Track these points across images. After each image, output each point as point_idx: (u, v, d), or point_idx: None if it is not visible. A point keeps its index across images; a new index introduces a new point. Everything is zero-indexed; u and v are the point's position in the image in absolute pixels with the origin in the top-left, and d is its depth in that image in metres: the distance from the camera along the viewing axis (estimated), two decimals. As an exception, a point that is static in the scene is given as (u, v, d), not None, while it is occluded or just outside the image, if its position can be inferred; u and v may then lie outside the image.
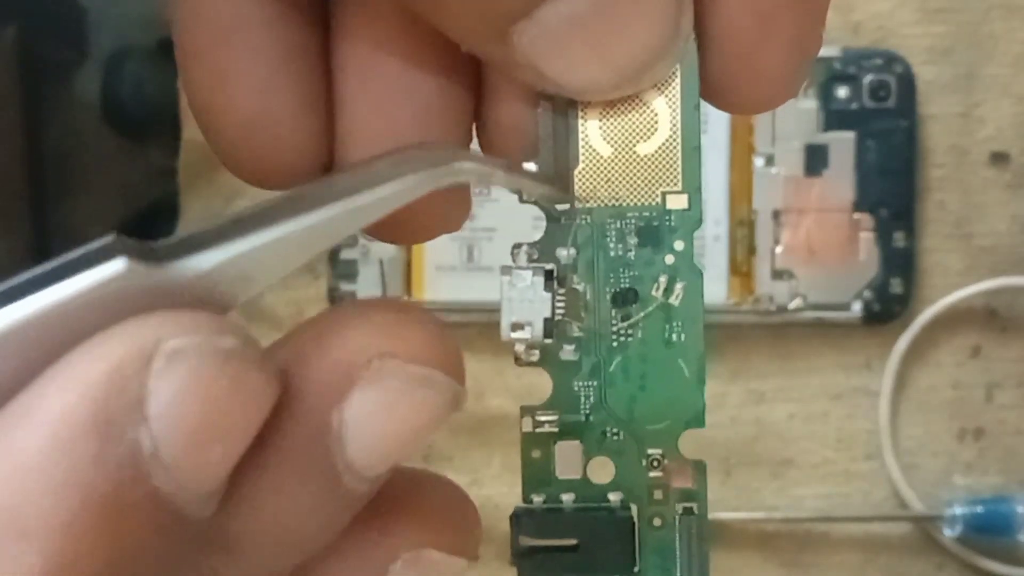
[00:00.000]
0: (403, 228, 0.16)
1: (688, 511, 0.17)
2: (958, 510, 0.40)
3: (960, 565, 0.41)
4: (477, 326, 0.41)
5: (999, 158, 0.40)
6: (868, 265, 0.40)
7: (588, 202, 0.16)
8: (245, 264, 0.13)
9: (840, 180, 0.40)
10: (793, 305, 0.40)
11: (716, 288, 0.40)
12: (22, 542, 0.11)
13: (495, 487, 0.42)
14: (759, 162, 0.40)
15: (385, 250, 0.41)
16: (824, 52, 0.40)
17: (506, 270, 0.17)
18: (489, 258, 0.41)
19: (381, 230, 0.16)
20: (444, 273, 0.41)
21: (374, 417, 0.13)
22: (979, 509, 0.40)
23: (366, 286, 0.42)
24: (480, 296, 0.41)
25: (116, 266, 0.12)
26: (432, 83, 0.16)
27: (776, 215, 0.40)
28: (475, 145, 0.17)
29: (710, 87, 0.16)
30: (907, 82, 0.40)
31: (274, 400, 0.12)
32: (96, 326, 0.12)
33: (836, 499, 0.41)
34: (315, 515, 0.13)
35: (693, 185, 0.16)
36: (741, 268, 0.40)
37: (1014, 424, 0.41)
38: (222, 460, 0.12)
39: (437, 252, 0.41)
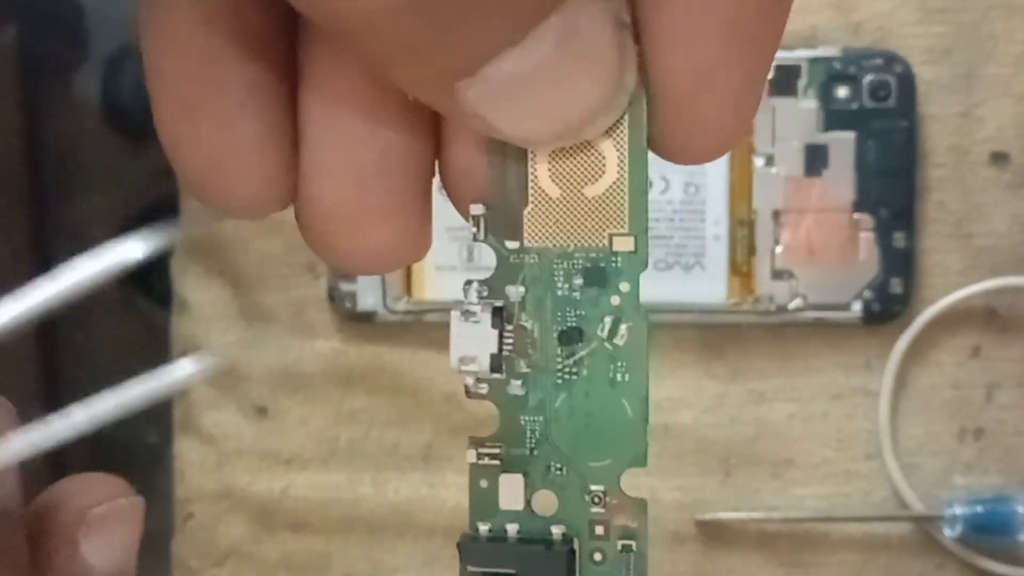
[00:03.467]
0: (364, 259, 0.17)
1: (627, 548, 0.17)
2: (958, 510, 0.40)
3: (960, 565, 0.41)
4: (477, 326, 0.41)
5: (999, 158, 0.40)
6: (868, 265, 0.40)
7: (536, 242, 0.17)
8: None
9: (840, 180, 0.40)
10: (793, 305, 0.40)
11: (716, 288, 0.40)
12: None
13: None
14: (759, 162, 0.40)
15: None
16: (824, 52, 0.40)
17: (456, 305, 0.17)
18: (489, 258, 0.41)
19: (342, 260, 0.17)
20: (444, 273, 0.41)
21: (102, 538, 0.20)
22: (979, 509, 0.40)
23: (366, 286, 0.42)
24: (480, 296, 0.41)
25: None
26: (394, 124, 0.16)
27: (776, 215, 0.40)
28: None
29: (654, 136, 0.16)
30: (907, 82, 0.40)
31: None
32: None
33: (836, 499, 0.41)
34: None
35: (640, 227, 0.17)
36: (741, 268, 0.40)
37: (1014, 424, 0.41)
38: None
39: (437, 252, 0.41)
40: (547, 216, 0.17)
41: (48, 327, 0.68)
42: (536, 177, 0.17)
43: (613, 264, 0.17)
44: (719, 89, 0.15)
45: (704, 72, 0.15)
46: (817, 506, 0.41)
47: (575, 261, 0.17)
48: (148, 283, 0.69)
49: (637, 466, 0.17)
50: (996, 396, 0.41)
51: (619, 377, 0.17)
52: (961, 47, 0.40)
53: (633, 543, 0.17)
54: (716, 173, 0.40)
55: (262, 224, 0.43)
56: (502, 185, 0.17)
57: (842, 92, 0.40)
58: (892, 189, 0.40)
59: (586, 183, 0.16)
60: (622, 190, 0.16)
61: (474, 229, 0.17)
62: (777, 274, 0.40)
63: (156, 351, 0.48)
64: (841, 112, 0.40)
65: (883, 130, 0.40)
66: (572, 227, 0.17)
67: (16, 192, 0.67)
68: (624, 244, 0.17)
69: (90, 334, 0.71)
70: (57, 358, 0.69)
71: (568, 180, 0.17)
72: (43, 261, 0.69)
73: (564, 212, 0.17)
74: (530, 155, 0.17)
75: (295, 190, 0.17)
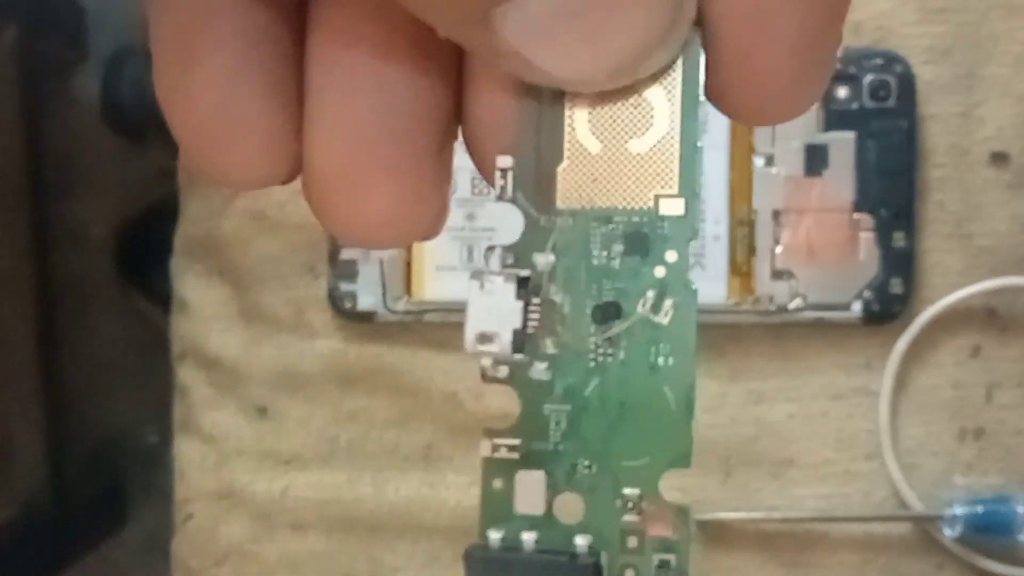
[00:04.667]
0: (371, 227, 0.15)
1: (665, 564, 0.15)
2: (958, 510, 0.40)
3: (960, 565, 0.41)
4: (477, 326, 0.41)
5: (999, 158, 0.40)
6: (868, 265, 0.40)
7: (571, 203, 0.15)
8: None
9: (840, 180, 0.40)
10: (793, 305, 0.40)
11: (716, 288, 0.40)
12: None
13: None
14: (759, 162, 0.40)
15: (385, 250, 0.41)
16: (824, 52, 0.40)
17: (476, 274, 0.15)
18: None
19: (347, 229, 0.15)
20: (444, 273, 0.41)
21: None
22: (979, 509, 0.40)
23: (366, 286, 0.42)
24: (480, 296, 0.41)
25: None
26: (406, 74, 0.15)
27: (776, 215, 0.40)
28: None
29: (711, 87, 0.14)
30: (907, 82, 0.40)
31: None
32: None
33: (836, 499, 0.41)
34: None
35: (691, 189, 0.14)
36: (741, 268, 0.40)
37: (1014, 424, 0.41)
38: None
39: (437, 252, 0.41)
40: (584, 173, 0.14)
41: (48, 327, 0.68)
42: (573, 129, 0.14)
43: (659, 230, 0.14)
44: (782, 32, 0.13)
45: (763, 10, 0.13)
46: (817, 506, 0.41)
47: (615, 225, 0.14)
48: (148, 283, 0.69)
49: (680, 467, 0.15)
50: (996, 396, 0.41)
51: (661, 361, 0.14)
52: (961, 47, 0.40)
53: (672, 558, 0.15)
54: (716, 173, 0.40)
55: (262, 224, 0.43)
56: (534, 138, 0.15)
57: (842, 92, 0.40)
58: (892, 189, 0.40)
59: (631, 136, 0.14)
60: (672, 145, 0.14)
61: (501, 183, 0.15)
62: (777, 274, 0.40)
63: (156, 351, 0.48)
64: (841, 112, 0.40)
65: (883, 130, 0.40)
66: (613, 186, 0.14)
67: (16, 192, 0.67)
68: (672, 207, 0.14)
69: (90, 334, 0.71)
70: (57, 358, 0.69)
71: (610, 132, 0.14)
72: (43, 261, 0.69)
73: (604, 169, 0.14)
74: (567, 104, 0.14)
75: (300, 160, 0.15)
